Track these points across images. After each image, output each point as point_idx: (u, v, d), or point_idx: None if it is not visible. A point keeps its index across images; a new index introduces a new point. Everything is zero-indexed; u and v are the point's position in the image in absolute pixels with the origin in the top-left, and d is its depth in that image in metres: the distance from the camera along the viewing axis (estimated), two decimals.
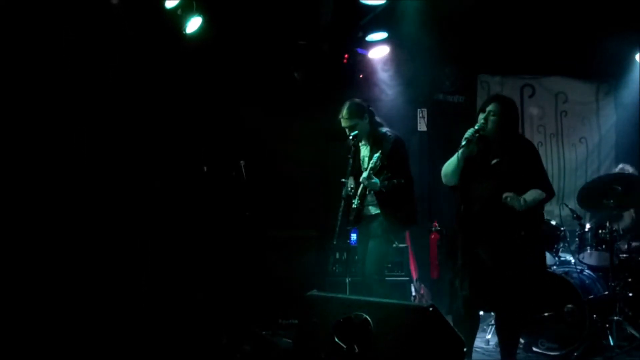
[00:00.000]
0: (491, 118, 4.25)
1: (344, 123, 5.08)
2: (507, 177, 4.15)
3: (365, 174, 4.87)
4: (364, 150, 5.17)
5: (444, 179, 4.39)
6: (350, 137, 5.03)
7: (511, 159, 4.21)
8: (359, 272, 5.18)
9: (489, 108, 4.28)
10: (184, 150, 6.12)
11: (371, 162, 4.88)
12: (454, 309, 4.30)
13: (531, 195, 4.13)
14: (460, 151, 4.22)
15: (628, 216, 6.14)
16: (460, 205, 4.25)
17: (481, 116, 4.30)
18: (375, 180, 4.85)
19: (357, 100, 5.17)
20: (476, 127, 4.25)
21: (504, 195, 4.09)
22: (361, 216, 5.04)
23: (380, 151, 4.86)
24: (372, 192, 4.97)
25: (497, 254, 4.14)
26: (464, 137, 4.22)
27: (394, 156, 4.94)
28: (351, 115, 5.04)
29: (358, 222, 5.06)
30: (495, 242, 4.15)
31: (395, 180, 4.88)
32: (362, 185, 4.94)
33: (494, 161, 4.26)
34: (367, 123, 5.08)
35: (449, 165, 4.33)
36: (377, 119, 5.19)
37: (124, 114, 5.67)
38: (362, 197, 4.99)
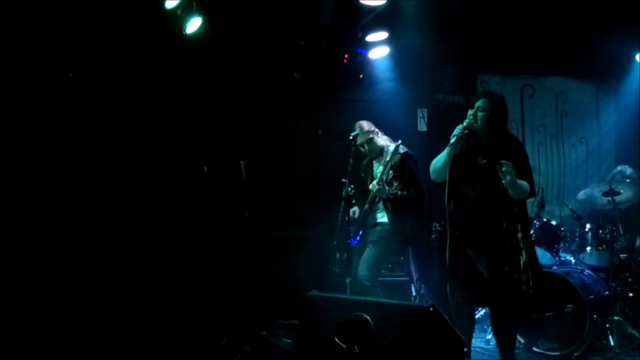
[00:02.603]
0: (480, 114, 4.23)
1: (360, 139, 5.23)
2: (496, 177, 4.11)
3: (375, 181, 5.03)
4: (377, 168, 5.29)
5: (432, 175, 4.38)
6: (350, 138, 5.09)
7: (500, 159, 4.18)
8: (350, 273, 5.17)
9: (478, 104, 4.27)
10: (185, 151, 6.12)
11: (384, 170, 5.03)
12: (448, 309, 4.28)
13: (521, 182, 4.12)
14: (449, 149, 4.21)
15: (630, 190, 5.85)
16: (449, 203, 4.23)
17: (470, 112, 4.28)
18: (385, 187, 4.98)
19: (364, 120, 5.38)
20: (465, 124, 4.22)
21: (501, 162, 4.03)
22: (366, 222, 5.16)
23: (392, 162, 5.03)
24: (379, 200, 5.10)
25: (489, 253, 4.13)
26: (452, 134, 4.20)
27: (403, 168, 5.09)
28: (365, 130, 5.22)
29: (364, 226, 5.18)
30: (486, 242, 4.14)
31: (405, 191, 5.02)
32: (372, 193, 5.10)
33: (483, 161, 4.23)
34: (379, 138, 5.27)
35: (438, 161, 4.32)
36: (385, 136, 5.35)
37: (124, 114, 5.67)
38: (371, 203, 5.15)
